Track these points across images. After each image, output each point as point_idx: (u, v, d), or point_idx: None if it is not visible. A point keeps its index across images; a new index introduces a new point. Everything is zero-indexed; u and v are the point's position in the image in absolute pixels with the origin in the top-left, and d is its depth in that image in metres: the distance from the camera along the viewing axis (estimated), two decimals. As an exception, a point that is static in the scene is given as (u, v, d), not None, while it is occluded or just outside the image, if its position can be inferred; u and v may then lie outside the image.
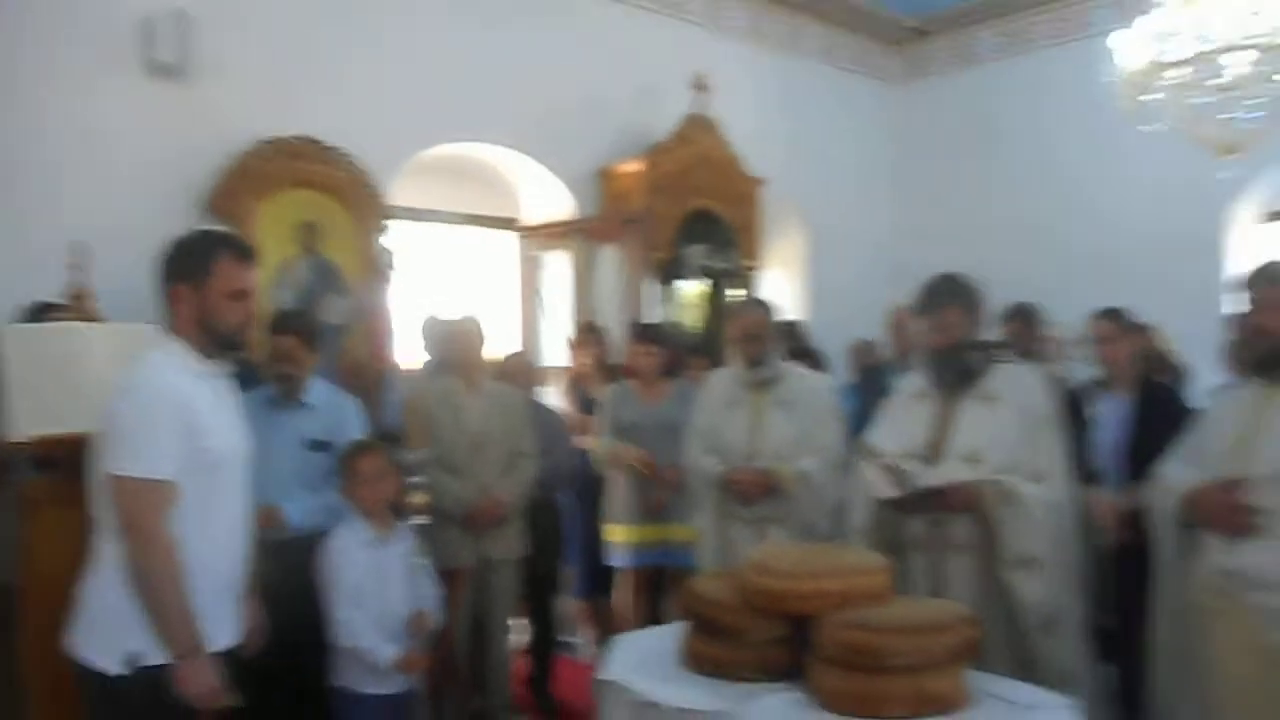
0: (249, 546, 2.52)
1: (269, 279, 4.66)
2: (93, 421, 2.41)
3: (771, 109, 7.30)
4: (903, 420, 3.28)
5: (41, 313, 3.73)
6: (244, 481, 2.50)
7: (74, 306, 3.12)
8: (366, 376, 4.92)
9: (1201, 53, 4.36)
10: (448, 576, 3.64)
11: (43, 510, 2.92)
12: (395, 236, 5.31)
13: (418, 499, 2.98)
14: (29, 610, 2.90)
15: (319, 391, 3.59)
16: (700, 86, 6.39)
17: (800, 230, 7.64)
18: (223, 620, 2.41)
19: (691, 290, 6.39)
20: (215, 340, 2.39)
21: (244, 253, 2.43)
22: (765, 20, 7.40)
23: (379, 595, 3.09)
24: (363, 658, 3.00)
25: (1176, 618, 2.67)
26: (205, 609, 2.31)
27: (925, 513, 3.05)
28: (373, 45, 5.30)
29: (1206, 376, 4.35)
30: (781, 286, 7.61)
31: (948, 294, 3.16)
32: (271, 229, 4.76)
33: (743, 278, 6.58)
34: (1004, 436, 3.02)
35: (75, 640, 2.31)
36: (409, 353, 5.10)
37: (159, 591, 2.23)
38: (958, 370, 3.13)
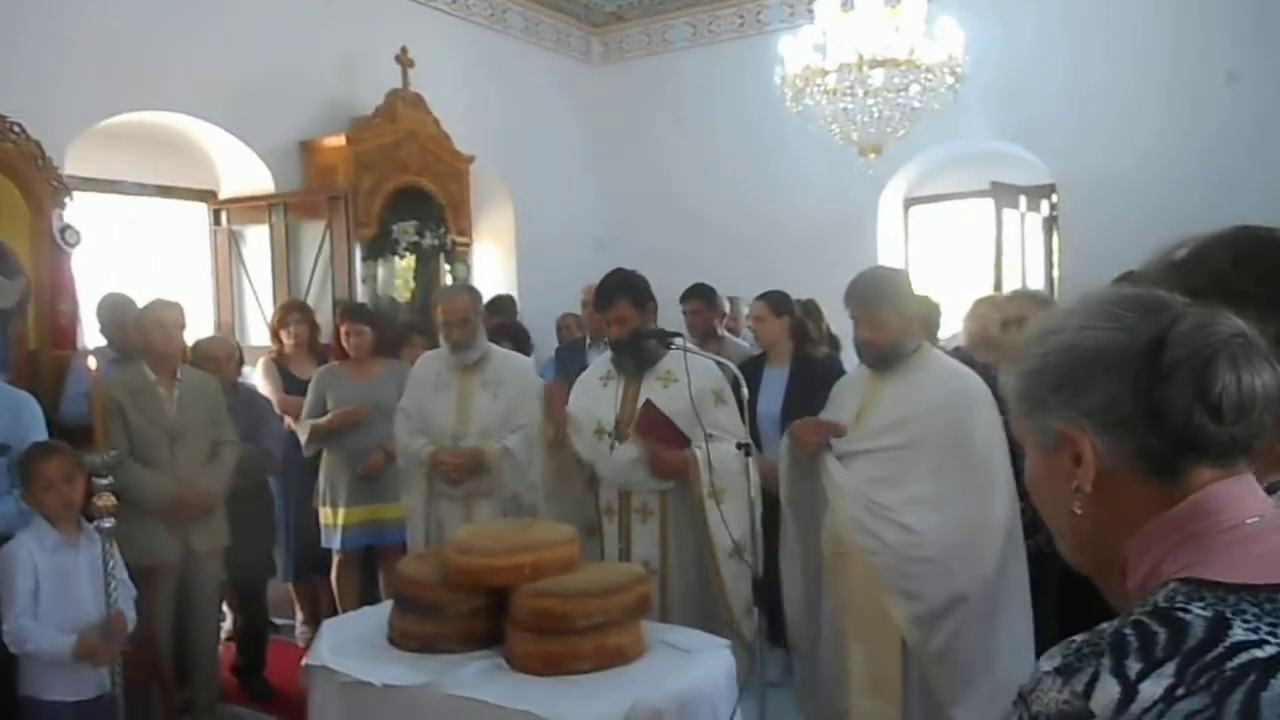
0: None
1: (-81, 262, 4.22)
2: None
3: (477, 85, 7.40)
4: (594, 399, 3.61)
5: None
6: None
7: None
8: (44, 366, 4.61)
9: (849, 63, 5.00)
10: (147, 573, 3.56)
11: None
12: (78, 210, 4.94)
13: (105, 500, 2.89)
14: None
15: (-13, 389, 3.37)
16: (404, 61, 6.38)
17: (508, 205, 7.83)
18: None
19: (402, 266, 6.41)
20: None
21: None
22: (468, -5, 7.47)
23: (66, 600, 3.00)
24: (40, 658, 2.92)
25: (805, 561, 3.18)
26: None
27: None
28: (38, 4, 4.84)
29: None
30: (492, 261, 7.80)
31: (617, 290, 3.49)
32: (-78, 207, 4.31)
33: (453, 253, 6.69)
34: (680, 412, 3.38)
35: None
36: (94, 337, 4.79)
37: None
38: (635, 357, 3.49)
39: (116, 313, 4.53)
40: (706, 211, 7.91)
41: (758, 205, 7.68)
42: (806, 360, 4.34)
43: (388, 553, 4.80)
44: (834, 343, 5.22)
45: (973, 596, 2.86)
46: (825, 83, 5.02)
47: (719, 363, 3.45)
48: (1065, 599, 3.06)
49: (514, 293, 7.35)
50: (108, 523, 2.90)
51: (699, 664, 2.58)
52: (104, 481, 2.87)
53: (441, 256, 6.63)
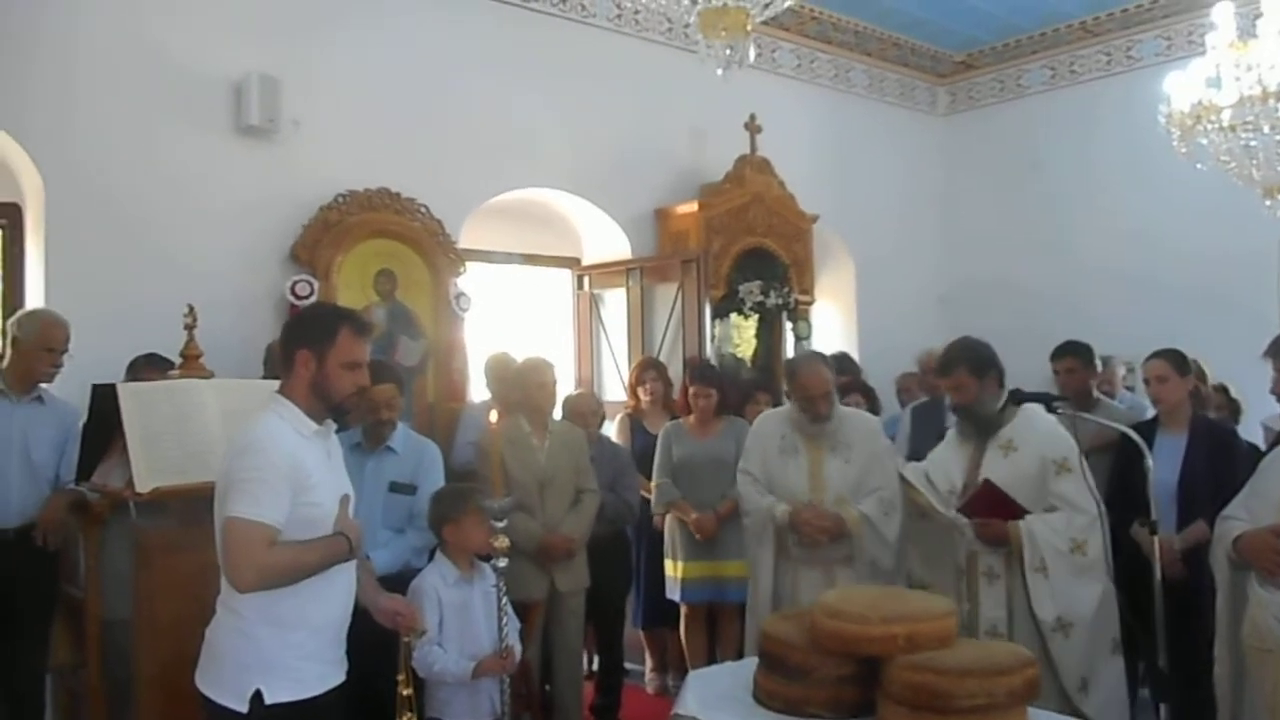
0: (352, 593, 2.66)
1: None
2: (209, 474, 2.60)
3: (820, 145, 7.47)
4: (943, 463, 3.67)
5: (142, 366, 3.99)
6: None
7: (188, 364, 3.34)
8: (440, 417, 5.16)
9: (1250, 96, 4.46)
10: (521, 609, 3.82)
11: (156, 557, 3.15)
12: (467, 279, 5.55)
13: (501, 542, 3.13)
14: (143, 650, 3.12)
15: (400, 436, 3.82)
16: (752, 128, 6.58)
17: (848, 262, 7.79)
18: (332, 663, 2.57)
19: (746, 325, 6.55)
20: (325, 405, 2.56)
21: (363, 328, 2.63)
22: (814, 59, 7.59)
23: (466, 630, 3.28)
24: (445, 679, 3.20)
25: (1234, 658, 2.79)
26: (317, 654, 2.49)
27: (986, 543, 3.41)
28: (442, 102, 5.58)
29: (1263, 407, 4.39)
30: (831, 318, 7.75)
31: (957, 359, 3.54)
32: (353, 278, 5.02)
33: (796, 312, 6.73)
34: (1022, 480, 3.39)
35: (203, 679, 2.47)
36: (481, 392, 5.31)
37: (296, 570, 2.40)
38: (974, 424, 3.53)
39: (500, 370, 5.00)
40: (1067, 263, 7.39)
41: (1132, 254, 7.05)
42: (1209, 426, 3.87)
43: (726, 611, 4.84)
44: (1235, 408, 4.62)
45: None
46: (1220, 119, 4.50)
47: (1120, 431, 3.34)
48: None
49: (854, 350, 7.24)
50: (502, 562, 3.12)
51: (1098, 762, 2.32)
52: (500, 524, 3.10)
53: (784, 315, 6.69)
